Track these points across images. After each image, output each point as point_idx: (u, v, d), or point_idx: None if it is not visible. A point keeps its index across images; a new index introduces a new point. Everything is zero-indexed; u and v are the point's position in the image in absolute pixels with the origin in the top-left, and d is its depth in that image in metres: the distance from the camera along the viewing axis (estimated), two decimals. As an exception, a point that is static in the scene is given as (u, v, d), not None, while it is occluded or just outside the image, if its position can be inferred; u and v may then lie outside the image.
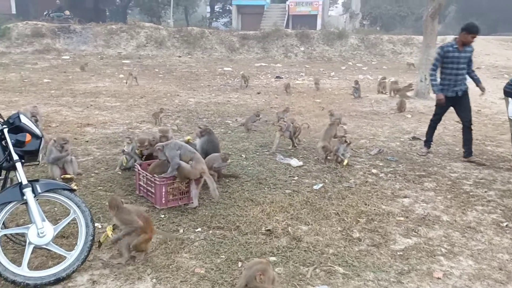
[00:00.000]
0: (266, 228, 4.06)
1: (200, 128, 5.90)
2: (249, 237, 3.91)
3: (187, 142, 5.20)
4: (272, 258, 3.56)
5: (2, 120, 3.32)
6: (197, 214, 4.37)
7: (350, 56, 24.64)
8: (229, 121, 8.85)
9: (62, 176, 5.12)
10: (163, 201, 4.48)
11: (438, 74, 6.50)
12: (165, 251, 3.63)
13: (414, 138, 7.72)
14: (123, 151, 5.65)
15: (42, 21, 24.31)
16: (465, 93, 6.47)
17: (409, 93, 11.97)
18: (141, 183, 4.77)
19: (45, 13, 27.34)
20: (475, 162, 6.32)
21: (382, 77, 13.66)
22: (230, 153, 5.93)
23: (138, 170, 4.80)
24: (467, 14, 48.50)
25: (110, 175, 5.47)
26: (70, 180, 5.12)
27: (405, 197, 5.04)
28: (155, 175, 4.52)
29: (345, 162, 6.04)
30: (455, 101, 6.45)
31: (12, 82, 13.27)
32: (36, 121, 6.52)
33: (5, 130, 3.19)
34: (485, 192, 5.23)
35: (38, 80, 13.86)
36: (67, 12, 28.02)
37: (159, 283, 3.19)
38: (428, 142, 6.86)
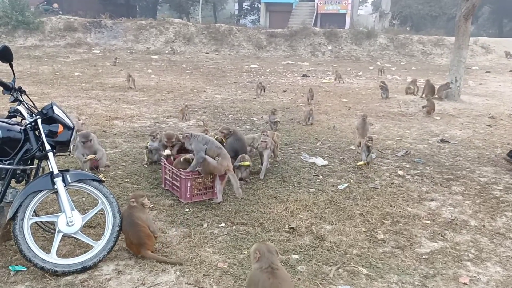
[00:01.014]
0: (290, 226, 4.06)
1: (223, 132, 5.47)
2: (272, 234, 3.91)
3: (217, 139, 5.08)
4: (295, 256, 3.56)
5: (36, 111, 3.42)
6: (221, 209, 4.40)
7: (378, 56, 24.33)
8: (254, 119, 8.87)
9: (88, 157, 5.21)
10: (188, 195, 4.52)
11: None
12: (189, 245, 3.67)
13: (442, 140, 7.56)
14: (147, 147, 5.71)
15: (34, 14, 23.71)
16: None
17: (437, 95, 11.68)
18: (167, 176, 4.83)
19: (34, 7, 27.56)
20: None
21: (413, 80, 13.40)
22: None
23: (164, 164, 4.86)
24: (502, 15, 47.24)
25: (137, 168, 5.56)
26: (94, 161, 5.25)
27: (432, 200, 4.95)
28: (180, 169, 4.57)
29: (360, 162, 6.02)
30: None
31: (44, 74, 13.64)
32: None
33: (39, 121, 3.28)
34: (516, 198, 5.09)
35: (69, 73, 14.21)
36: (56, 5, 28.58)
37: (182, 276, 3.23)
38: None
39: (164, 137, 5.51)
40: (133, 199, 3.49)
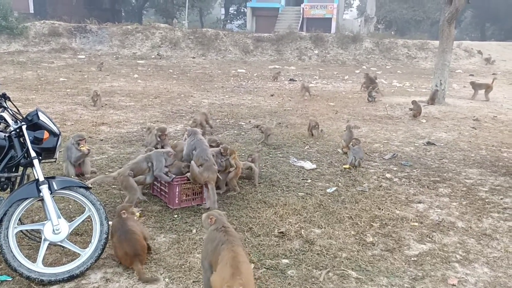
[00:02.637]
0: (279, 231, 4.05)
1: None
2: (261, 239, 3.90)
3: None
4: (285, 261, 3.55)
5: (20, 117, 3.36)
6: (210, 214, 4.37)
7: (364, 60, 24.54)
8: (242, 123, 8.86)
9: (80, 147, 5.19)
10: (176, 201, 4.49)
11: None
12: (178, 251, 3.64)
13: (428, 143, 7.64)
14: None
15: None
16: None
17: (423, 98, 11.87)
18: (155, 182, 4.79)
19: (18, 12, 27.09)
20: None
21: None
22: (243, 154, 5.93)
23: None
24: (484, 20, 48.10)
25: (124, 174, 5.50)
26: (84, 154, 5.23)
27: (419, 202, 4.99)
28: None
29: (346, 165, 6.11)
30: None
31: (29, 80, 13.46)
32: None
33: (24, 127, 3.23)
34: (501, 199, 5.15)
35: (54, 78, 14.04)
36: None
37: (172, 283, 3.20)
38: None
39: (158, 131, 5.63)
40: (123, 211, 3.46)
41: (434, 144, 7.57)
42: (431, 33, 38.02)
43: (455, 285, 3.33)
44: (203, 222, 3.11)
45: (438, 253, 3.80)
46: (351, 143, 6.31)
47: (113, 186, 5.06)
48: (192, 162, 4.45)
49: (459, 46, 25.11)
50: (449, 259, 3.72)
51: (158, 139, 5.71)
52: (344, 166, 6.08)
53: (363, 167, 6.11)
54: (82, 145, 5.24)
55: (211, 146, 5.45)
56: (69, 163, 5.20)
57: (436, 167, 6.31)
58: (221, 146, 4.98)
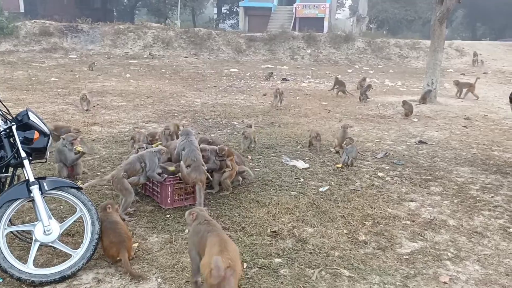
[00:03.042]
0: (272, 230, 4.05)
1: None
2: (254, 238, 3.90)
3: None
4: (278, 260, 3.55)
5: (10, 117, 3.33)
6: (203, 214, 4.36)
7: (356, 60, 24.63)
8: (235, 123, 8.85)
9: (76, 148, 5.12)
10: (169, 201, 4.48)
11: None
12: (170, 251, 3.62)
13: (420, 142, 7.68)
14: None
15: None
16: None
17: (415, 97, 11.96)
18: (147, 182, 4.77)
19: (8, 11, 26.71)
20: None
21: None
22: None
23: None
24: (474, 19, 48.47)
25: (116, 174, 5.46)
26: (82, 154, 5.18)
27: (411, 201, 5.01)
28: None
29: (339, 164, 6.14)
30: None
31: (19, 80, 13.35)
32: None
33: (13, 127, 3.20)
34: (492, 197, 5.19)
35: (45, 78, 13.94)
36: None
37: (164, 283, 3.19)
38: None
39: (148, 136, 5.59)
40: (109, 206, 3.53)
41: (426, 143, 7.62)
42: (423, 32, 38.23)
43: (446, 283, 3.35)
44: (186, 219, 3.23)
45: (429, 251, 3.82)
46: (344, 142, 6.32)
47: (105, 187, 5.02)
48: (181, 162, 4.44)
49: (450, 46, 25.28)
50: (440, 257, 3.74)
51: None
52: (337, 165, 6.09)
53: (355, 166, 6.13)
54: (76, 145, 5.16)
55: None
56: (63, 165, 5.09)
57: (428, 166, 6.35)
58: (218, 146, 4.97)
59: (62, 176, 4.96)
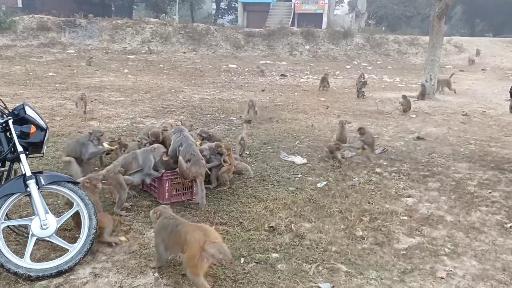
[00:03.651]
0: (269, 225, 4.05)
1: (201, 136, 5.50)
2: (252, 234, 3.89)
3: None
4: (275, 255, 3.55)
5: (7, 112, 3.32)
6: (200, 209, 4.36)
7: (355, 55, 24.61)
8: (233, 118, 8.84)
9: (106, 144, 5.10)
10: (166, 196, 4.47)
11: None
12: (168, 246, 3.62)
13: (418, 138, 7.68)
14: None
15: None
16: None
17: (413, 94, 11.95)
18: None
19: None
20: None
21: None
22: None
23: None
24: (473, 16, 48.42)
25: (114, 169, 5.45)
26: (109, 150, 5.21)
27: (409, 196, 5.02)
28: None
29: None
30: None
31: (17, 75, 13.30)
32: None
33: (10, 122, 3.18)
34: (490, 193, 5.20)
35: (43, 73, 13.88)
36: None
37: (161, 277, 3.19)
38: None
39: (151, 136, 5.38)
40: (87, 180, 3.66)
41: (424, 139, 7.62)
42: (422, 28, 38.17)
43: (443, 278, 3.36)
44: (150, 218, 3.40)
45: (427, 247, 3.83)
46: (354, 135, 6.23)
47: (102, 182, 5.00)
48: (180, 157, 4.41)
49: (449, 42, 25.28)
50: (437, 252, 3.75)
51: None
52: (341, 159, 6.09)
53: (353, 162, 6.13)
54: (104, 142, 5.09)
55: (203, 138, 5.46)
56: (74, 162, 4.80)
57: (426, 162, 6.35)
58: (214, 143, 4.95)
59: (74, 174, 4.67)
